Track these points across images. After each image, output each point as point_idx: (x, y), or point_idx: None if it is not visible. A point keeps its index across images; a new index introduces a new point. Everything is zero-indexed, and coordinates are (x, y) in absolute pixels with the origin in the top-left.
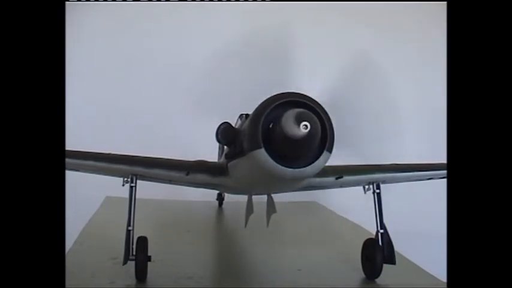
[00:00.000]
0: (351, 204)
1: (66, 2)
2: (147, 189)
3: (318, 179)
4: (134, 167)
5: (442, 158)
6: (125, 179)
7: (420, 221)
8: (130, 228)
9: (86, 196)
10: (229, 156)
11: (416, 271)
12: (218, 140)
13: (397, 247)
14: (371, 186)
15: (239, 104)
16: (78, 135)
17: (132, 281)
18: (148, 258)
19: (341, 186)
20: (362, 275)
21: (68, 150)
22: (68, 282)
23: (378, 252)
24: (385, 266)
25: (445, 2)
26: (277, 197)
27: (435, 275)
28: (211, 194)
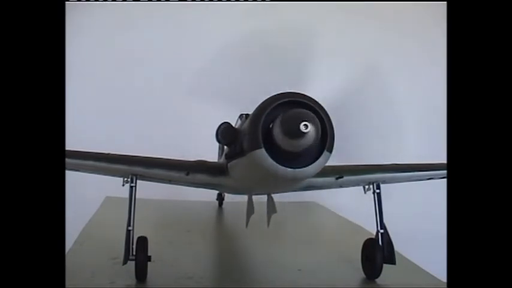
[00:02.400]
0: (350, 204)
1: (66, 2)
2: (147, 189)
3: (318, 179)
4: (134, 167)
5: (442, 158)
6: (125, 179)
7: (420, 221)
8: (130, 228)
9: (85, 196)
10: (229, 156)
11: (416, 271)
12: (218, 140)
13: (397, 247)
14: (371, 186)
15: (239, 104)
16: (78, 135)
17: (132, 281)
18: (149, 258)
19: (341, 186)
20: (362, 275)
21: (67, 150)
22: (68, 282)
23: (378, 252)
24: (385, 266)
25: (445, 2)
26: (277, 197)
27: (435, 275)
28: (211, 194)
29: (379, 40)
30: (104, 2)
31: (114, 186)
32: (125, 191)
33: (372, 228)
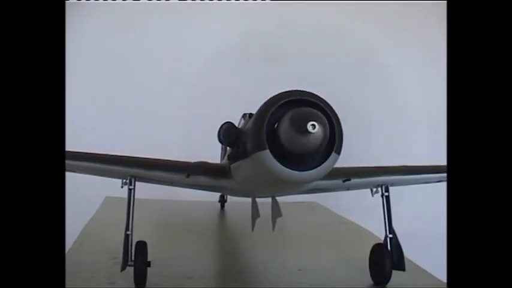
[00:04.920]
0: (351, 204)
1: (66, 2)
2: (147, 189)
3: (324, 182)
4: (133, 169)
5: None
6: (124, 180)
7: (420, 221)
8: (129, 232)
9: (86, 196)
10: (232, 158)
11: (416, 271)
12: (220, 141)
13: None
14: (379, 188)
15: (242, 103)
16: (77, 135)
17: (132, 281)
18: (148, 264)
19: (348, 189)
20: (361, 274)
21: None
22: (67, 283)
23: (386, 258)
24: None
25: (445, 2)
26: (278, 198)
27: (435, 275)
28: (212, 194)
29: (384, 40)
30: (104, 2)
31: (114, 187)
32: (125, 192)
33: (371, 228)
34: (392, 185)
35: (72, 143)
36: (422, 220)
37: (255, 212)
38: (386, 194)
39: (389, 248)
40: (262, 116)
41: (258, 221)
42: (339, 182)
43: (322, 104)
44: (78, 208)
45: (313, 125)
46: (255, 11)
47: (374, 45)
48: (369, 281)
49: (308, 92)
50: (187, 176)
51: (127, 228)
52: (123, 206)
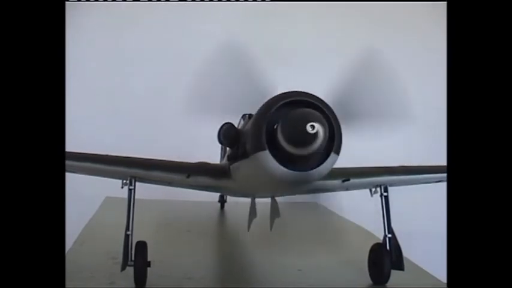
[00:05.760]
0: (351, 204)
1: (66, 2)
2: (147, 189)
3: (323, 182)
4: (133, 169)
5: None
6: (124, 181)
7: (420, 221)
8: (129, 232)
9: (86, 196)
10: (232, 158)
11: (415, 271)
12: (220, 141)
13: None
14: (378, 189)
15: (242, 104)
16: (77, 135)
17: (132, 281)
18: (148, 264)
19: (347, 189)
20: (361, 274)
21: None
22: (67, 283)
23: (385, 257)
24: None
25: (445, 2)
26: (278, 198)
27: (435, 275)
28: (212, 194)
29: (382, 41)
30: (104, 2)
31: (114, 187)
32: (125, 192)
33: (371, 228)
34: (391, 185)
35: (72, 143)
36: (422, 220)
37: (252, 212)
38: (385, 194)
39: (388, 247)
40: (261, 116)
41: (258, 221)
42: (338, 182)
43: (321, 105)
44: (78, 208)
45: (313, 126)
46: (256, 12)
47: (375, 46)
48: (368, 281)
49: (307, 93)
50: (188, 177)
51: (127, 229)
52: (123, 206)
